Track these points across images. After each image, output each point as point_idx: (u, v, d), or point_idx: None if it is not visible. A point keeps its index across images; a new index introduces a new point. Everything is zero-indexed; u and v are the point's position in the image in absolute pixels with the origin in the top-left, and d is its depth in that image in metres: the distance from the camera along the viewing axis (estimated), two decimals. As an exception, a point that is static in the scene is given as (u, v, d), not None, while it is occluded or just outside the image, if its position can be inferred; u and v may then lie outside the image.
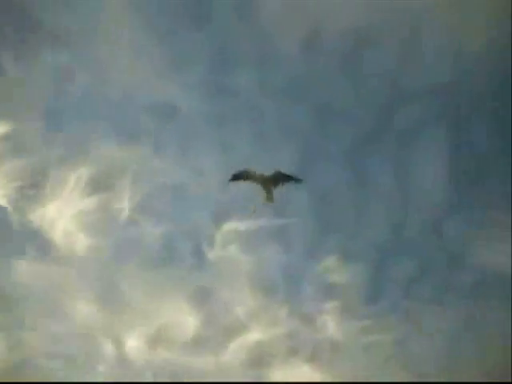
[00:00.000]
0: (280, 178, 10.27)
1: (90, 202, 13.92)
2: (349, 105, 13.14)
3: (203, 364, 13.35)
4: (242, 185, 10.37)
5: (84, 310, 13.58)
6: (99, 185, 13.86)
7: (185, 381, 13.03)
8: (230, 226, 13.90)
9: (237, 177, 10.34)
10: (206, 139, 13.80)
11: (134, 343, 13.70)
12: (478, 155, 12.84)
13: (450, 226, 13.24)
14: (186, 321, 13.93)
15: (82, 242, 13.80)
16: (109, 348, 13.58)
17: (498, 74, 12.13)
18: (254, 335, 13.78)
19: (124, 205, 13.94)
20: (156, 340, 13.75)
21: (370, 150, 12.33)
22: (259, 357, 13.67)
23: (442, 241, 13.14)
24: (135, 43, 13.58)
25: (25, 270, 13.45)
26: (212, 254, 13.97)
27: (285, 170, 10.12)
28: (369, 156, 12.59)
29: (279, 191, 10.35)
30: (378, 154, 12.53)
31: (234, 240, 13.85)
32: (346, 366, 13.30)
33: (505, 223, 12.79)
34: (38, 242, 13.55)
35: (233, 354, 13.60)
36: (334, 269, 13.54)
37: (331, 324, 13.50)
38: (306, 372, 13.46)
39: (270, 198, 10.49)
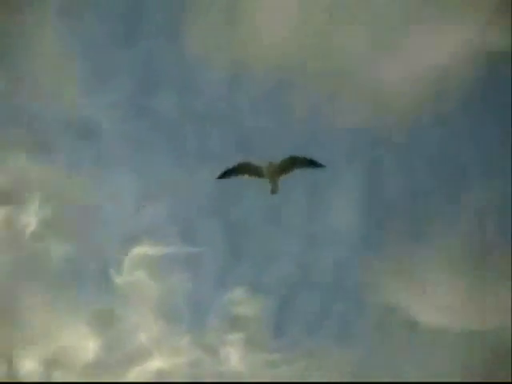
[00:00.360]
0: (292, 165, 9.77)
1: (-7, 214, 13.33)
2: (270, 134, 13.20)
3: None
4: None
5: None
6: (5, 197, 13.30)
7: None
8: (140, 250, 13.64)
9: (230, 173, 9.88)
10: (123, 161, 13.52)
11: (28, 365, 13.11)
12: (387, 197, 13.16)
13: (357, 265, 13.49)
14: (86, 345, 13.47)
15: (-20, 255, 13.18)
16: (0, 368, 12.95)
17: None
18: (156, 363, 13.48)
19: (30, 220, 13.41)
20: (52, 363, 13.21)
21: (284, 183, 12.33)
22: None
23: (348, 279, 13.34)
24: (57, 53, 13.19)
25: None
26: (119, 278, 13.62)
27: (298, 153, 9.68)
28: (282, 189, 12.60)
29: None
30: (291, 188, 12.58)
31: (143, 265, 13.59)
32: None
33: (412, 263, 13.18)
34: None
35: (133, 381, 13.25)
36: (241, 301, 13.50)
37: (234, 356, 13.41)
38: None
39: (275, 189, 10.13)
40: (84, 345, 13.45)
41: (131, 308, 13.63)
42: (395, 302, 13.25)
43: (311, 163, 9.78)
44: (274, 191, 10.20)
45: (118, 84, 13.35)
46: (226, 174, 9.90)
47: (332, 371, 13.15)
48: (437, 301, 13.15)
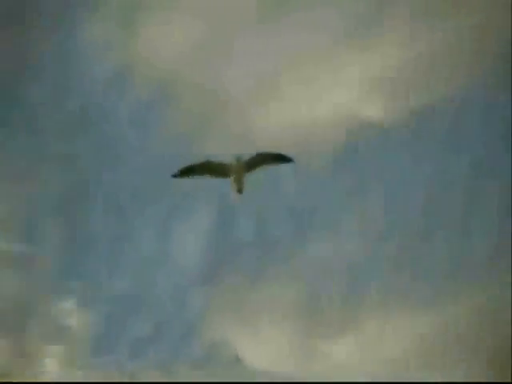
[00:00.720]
0: (260, 161, 9.35)
1: None
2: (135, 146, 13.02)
3: None
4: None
5: None
6: None
7: None
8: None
9: (186, 171, 9.23)
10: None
11: None
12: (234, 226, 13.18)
13: (195, 295, 13.39)
14: None
15: None
16: None
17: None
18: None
19: None
20: None
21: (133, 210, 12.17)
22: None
23: (183, 308, 13.21)
24: None
25: None
26: None
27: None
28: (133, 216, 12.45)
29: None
30: (141, 216, 12.43)
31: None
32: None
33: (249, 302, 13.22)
34: None
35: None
36: (68, 312, 13.04)
37: (51, 367, 12.89)
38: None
39: (240, 188, 9.60)
40: None
41: None
42: (225, 337, 13.24)
43: (279, 158, 9.47)
44: (240, 190, 9.68)
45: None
46: (184, 173, 9.26)
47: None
48: (267, 341, 13.26)
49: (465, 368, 11.58)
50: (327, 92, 13.34)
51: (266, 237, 13.13)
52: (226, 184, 11.58)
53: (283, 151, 9.86)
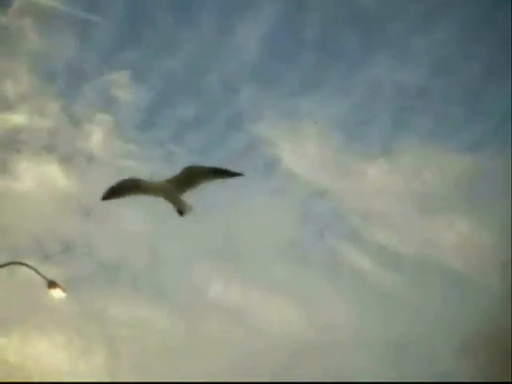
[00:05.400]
0: (196, 178, 7.33)
1: None
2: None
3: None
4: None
5: None
6: None
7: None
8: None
9: (115, 191, 7.63)
10: None
11: None
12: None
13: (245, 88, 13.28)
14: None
15: None
16: None
17: None
18: (17, 118, 13.02)
19: None
20: None
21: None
22: (10, 141, 13.01)
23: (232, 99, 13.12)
24: None
25: None
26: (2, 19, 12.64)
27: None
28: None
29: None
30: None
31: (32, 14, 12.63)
32: (98, 175, 13.17)
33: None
34: None
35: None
36: (122, 84, 13.03)
37: (97, 136, 13.18)
38: (53, 171, 13.14)
39: (182, 206, 7.77)
40: None
41: (4, 53, 12.85)
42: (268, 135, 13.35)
43: (218, 173, 7.40)
44: (181, 211, 7.88)
45: None
46: (111, 194, 7.71)
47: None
48: (307, 149, 13.46)
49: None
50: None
51: (330, 42, 12.89)
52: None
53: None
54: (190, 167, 7.18)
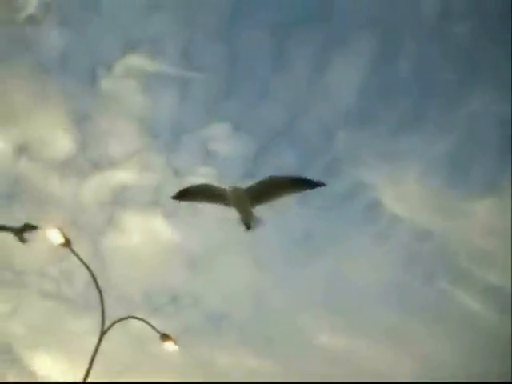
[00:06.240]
0: (274, 190, 7.13)
1: None
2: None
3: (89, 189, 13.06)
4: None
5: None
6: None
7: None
8: (134, 59, 13.54)
9: (188, 193, 7.70)
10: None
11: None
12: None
13: (344, 134, 13.16)
14: (56, 140, 13.70)
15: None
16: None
17: None
18: (123, 174, 13.80)
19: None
20: (23, 149, 13.51)
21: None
22: (119, 198, 13.74)
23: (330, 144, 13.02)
24: None
25: None
26: (106, 82, 13.61)
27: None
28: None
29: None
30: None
31: (133, 75, 13.51)
32: (202, 227, 13.45)
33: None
34: None
35: (95, 187, 13.55)
36: (221, 137, 13.48)
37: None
38: (157, 225, 13.67)
39: (248, 222, 7.38)
40: (54, 139, 13.69)
41: (111, 115, 13.76)
42: (368, 179, 13.10)
43: (305, 184, 7.23)
44: (247, 226, 7.45)
45: None
46: (182, 196, 7.84)
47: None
48: (408, 190, 13.01)
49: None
50: None
51: (426, 80, 12.52)
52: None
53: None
54: (271, 176, 7.01)
